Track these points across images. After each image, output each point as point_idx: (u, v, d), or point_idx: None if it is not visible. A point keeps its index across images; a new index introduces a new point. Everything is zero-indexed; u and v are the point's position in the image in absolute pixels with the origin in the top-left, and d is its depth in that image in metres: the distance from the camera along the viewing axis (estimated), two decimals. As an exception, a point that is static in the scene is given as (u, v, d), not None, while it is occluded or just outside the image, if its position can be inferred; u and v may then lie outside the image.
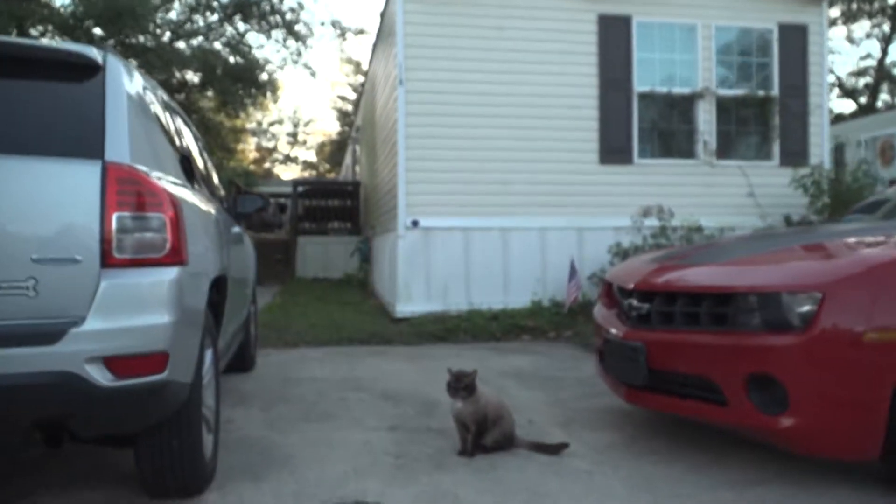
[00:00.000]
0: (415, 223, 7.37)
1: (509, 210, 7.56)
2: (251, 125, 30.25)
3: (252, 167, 30.62)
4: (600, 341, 3.61)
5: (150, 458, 2.42)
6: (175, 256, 2.26)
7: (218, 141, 17.24)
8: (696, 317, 2.89)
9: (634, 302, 3.18)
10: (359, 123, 15.38)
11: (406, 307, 7.40)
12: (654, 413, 3.91)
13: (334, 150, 34.03)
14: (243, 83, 15.48)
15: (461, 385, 3.11)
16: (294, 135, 42.01)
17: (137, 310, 2.17)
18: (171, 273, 2.25)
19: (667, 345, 2.97)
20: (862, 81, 25.44)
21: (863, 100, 24.97)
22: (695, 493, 2.71)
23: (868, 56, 25.49)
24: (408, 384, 4.72)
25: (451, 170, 7.44)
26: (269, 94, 16.95)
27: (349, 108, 32.40)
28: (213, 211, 3.27)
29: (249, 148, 38.61)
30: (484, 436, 3.19)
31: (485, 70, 7.48)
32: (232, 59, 15.76)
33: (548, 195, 7.60)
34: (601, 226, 7.66)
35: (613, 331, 3.33)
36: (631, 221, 7.50)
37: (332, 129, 37.47)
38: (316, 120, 59.79)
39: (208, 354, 2.83)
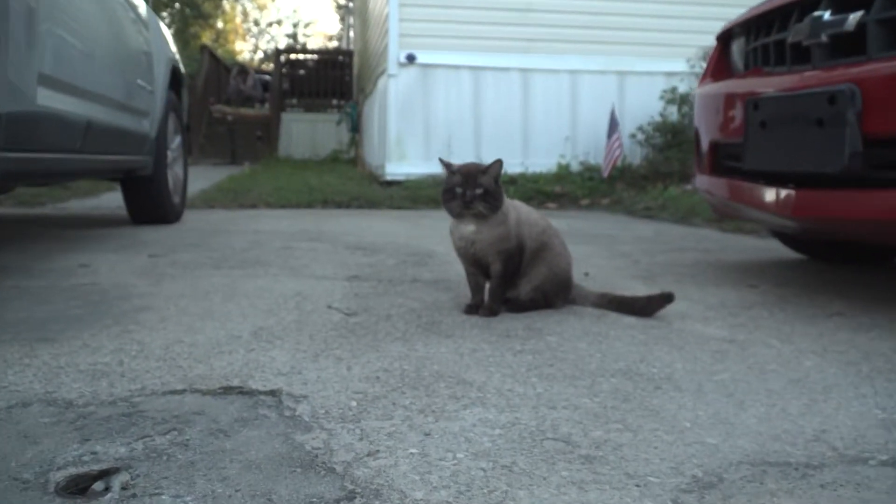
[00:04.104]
0: (410, 58, 5.70)
1: (531, 46, 5.88)
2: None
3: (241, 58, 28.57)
4: (717, 130, 2.09)
5: None
6: None
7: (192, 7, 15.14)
8: None
9: (826, 15, 1.60)
10: (352, -13, 13.42)
11: (398, 168, 5.84)
12: (784, 263, 2.42)
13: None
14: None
15: (475, 188, 1.57)
16: (293, 36, 39.55)
17: None
18: None
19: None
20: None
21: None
22: None
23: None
24: (392, 237, 3.23)
25: (457, -11, 5.73)
26: None
27: (351, 5, 29.95)
28: None
29: (247, 48, 36.34)
30: (516, 281, 1.69)
31: None
32: None
33: (581, 28, 5.90)
34: (649, 70, 6.00)
35: (777, 83, 1.77)
36: (687, 66, 5.77)
37: (334, 30, 34.92)
38: (316, 21, 56.76)
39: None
